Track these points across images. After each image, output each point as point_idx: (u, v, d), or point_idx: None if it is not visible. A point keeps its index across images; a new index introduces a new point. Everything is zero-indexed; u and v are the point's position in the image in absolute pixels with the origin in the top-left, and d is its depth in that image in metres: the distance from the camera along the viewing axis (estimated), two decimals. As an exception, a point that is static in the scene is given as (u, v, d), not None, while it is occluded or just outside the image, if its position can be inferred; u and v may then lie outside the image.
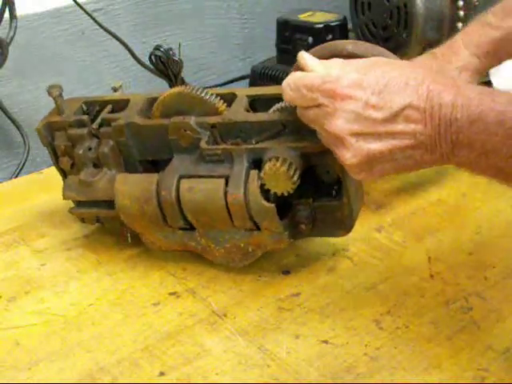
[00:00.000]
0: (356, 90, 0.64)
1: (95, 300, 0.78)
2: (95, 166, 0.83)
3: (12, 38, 1.04)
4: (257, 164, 0.74)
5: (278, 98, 0.76)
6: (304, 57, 0.70)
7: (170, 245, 0.81)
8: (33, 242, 0.89)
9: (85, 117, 0.84)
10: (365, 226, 0.83)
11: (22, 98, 1.13)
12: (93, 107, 0.86)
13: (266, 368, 0.67)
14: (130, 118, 0.80)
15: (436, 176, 0.95)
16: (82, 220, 0.87)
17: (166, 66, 1.01)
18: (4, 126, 1.13)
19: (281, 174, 0.72)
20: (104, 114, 0.83)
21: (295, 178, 0.72)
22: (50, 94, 0.84)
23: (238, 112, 0.77)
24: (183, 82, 1.04)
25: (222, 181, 0.74)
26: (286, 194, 0.73)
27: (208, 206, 0.75)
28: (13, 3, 1.03)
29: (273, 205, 0.73)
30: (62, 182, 0.86)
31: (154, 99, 0.80)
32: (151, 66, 1.04)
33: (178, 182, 0.76)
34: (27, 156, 1.11)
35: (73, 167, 0.84)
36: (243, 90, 0.81)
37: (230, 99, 0.78)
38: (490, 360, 0.66)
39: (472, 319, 0.71)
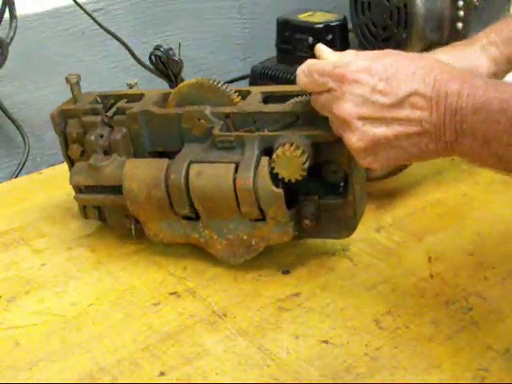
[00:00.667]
0: (364, 75, 0.66)
1: (95, 300, 0.78)
2: (105, 153, 0.83)
3: (12, 38, 1.04)
4: (268, 152, 0.75)
5: (292, 95, 0.77)
6: (320, 48, 0.73)
7: (172, 237, 0.81)
8: (33, 241, 0.89)
9: (99, 106, 0.85)
10: (365, 226, 0.83)
11: (21, 98, 1.13)
12: (107, 100, 0.86)
13: (266, 368, 0.67)
14: (145, 107, 0.81)
15: (436, 176, 0.95)
16: (84, 214, 0.87)
17: (166, 65, 1.01)
18: (4, 126, 1.13)
19: (292, 159, 0.72)
20: (119, 103, 0.84)
21: (305, 164, 0.72)
22: (67, 80, 0.85)
23: (253, 103, 0.78)
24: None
25: (232, 166, 0.75)
26: (293, 180, 0.73)
27: (216, 191, 0.75)
28: (13, 3, 1.03)
29: (281, 190, 0.73)
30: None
31: (169, 94, 0.81)
32: (151, 66, 1.04)
33: (188, 166, 0.76)
34: (27, 156, 1.11)
35: (82, 155, 0.84)
36: (258, 88, 0.82)
37: (245, 95, 0.79)
38: (490, 360, 0.66)
39: (472, 319, 0.71)
